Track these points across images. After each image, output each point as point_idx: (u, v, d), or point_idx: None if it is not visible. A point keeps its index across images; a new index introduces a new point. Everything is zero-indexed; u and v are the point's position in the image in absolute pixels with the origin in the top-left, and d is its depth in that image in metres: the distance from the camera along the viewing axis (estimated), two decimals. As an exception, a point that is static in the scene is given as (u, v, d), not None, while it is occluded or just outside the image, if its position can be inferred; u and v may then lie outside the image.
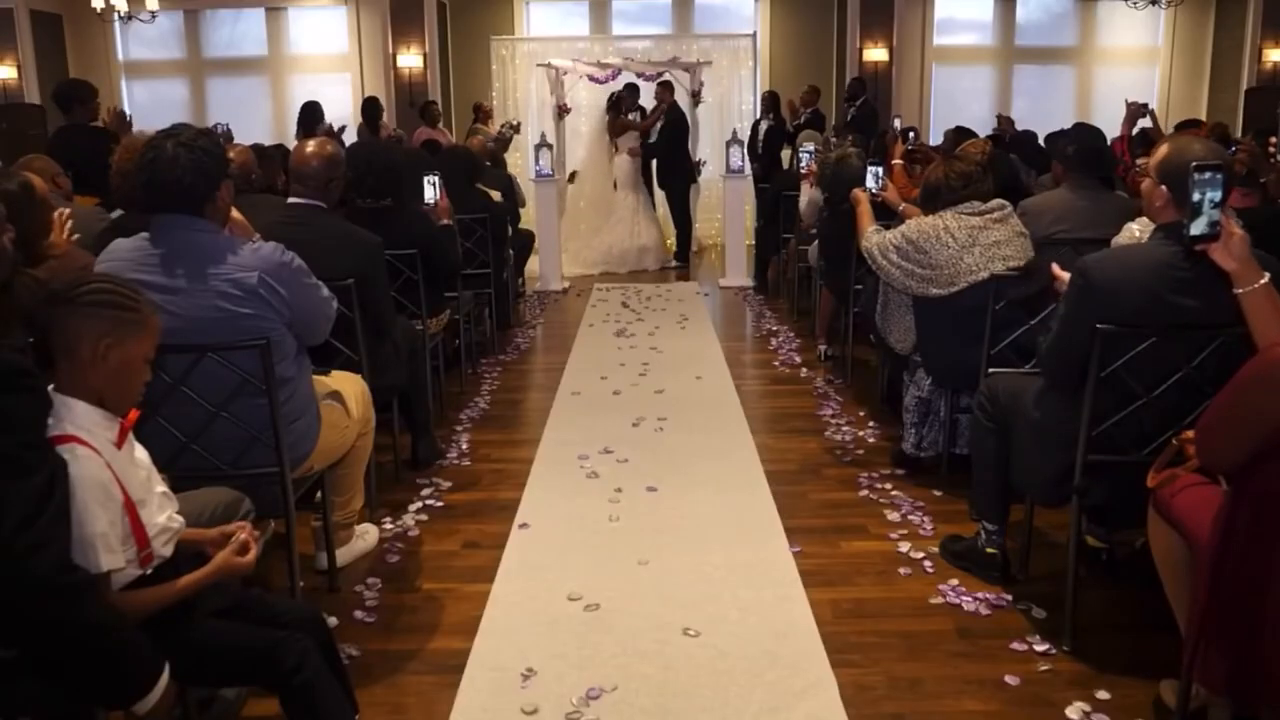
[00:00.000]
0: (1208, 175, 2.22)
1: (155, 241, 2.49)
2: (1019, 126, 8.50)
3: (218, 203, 2.53)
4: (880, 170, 4.46)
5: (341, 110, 10.44)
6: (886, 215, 4.22)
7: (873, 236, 3.79)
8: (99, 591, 1.67)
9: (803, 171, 6.32)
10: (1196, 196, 2.23)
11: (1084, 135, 4.17)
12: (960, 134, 6.80)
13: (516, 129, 10.09)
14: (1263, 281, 2.21)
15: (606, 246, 9.27)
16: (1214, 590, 1.90)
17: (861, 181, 4.44)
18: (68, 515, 1.64)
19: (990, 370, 3.28)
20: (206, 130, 2.60)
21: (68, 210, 3.07)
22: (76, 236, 2.98)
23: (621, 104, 9.52)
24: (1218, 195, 2.23)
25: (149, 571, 1.82)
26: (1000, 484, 2.97)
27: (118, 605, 1.71)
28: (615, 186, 9.49)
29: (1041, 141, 6.54)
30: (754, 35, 11.21)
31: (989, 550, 3.03)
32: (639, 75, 9.94)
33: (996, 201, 3.62)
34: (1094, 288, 2.44)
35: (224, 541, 1.96)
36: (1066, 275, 2.62)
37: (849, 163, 5.07)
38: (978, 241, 3.51)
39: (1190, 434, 2.20)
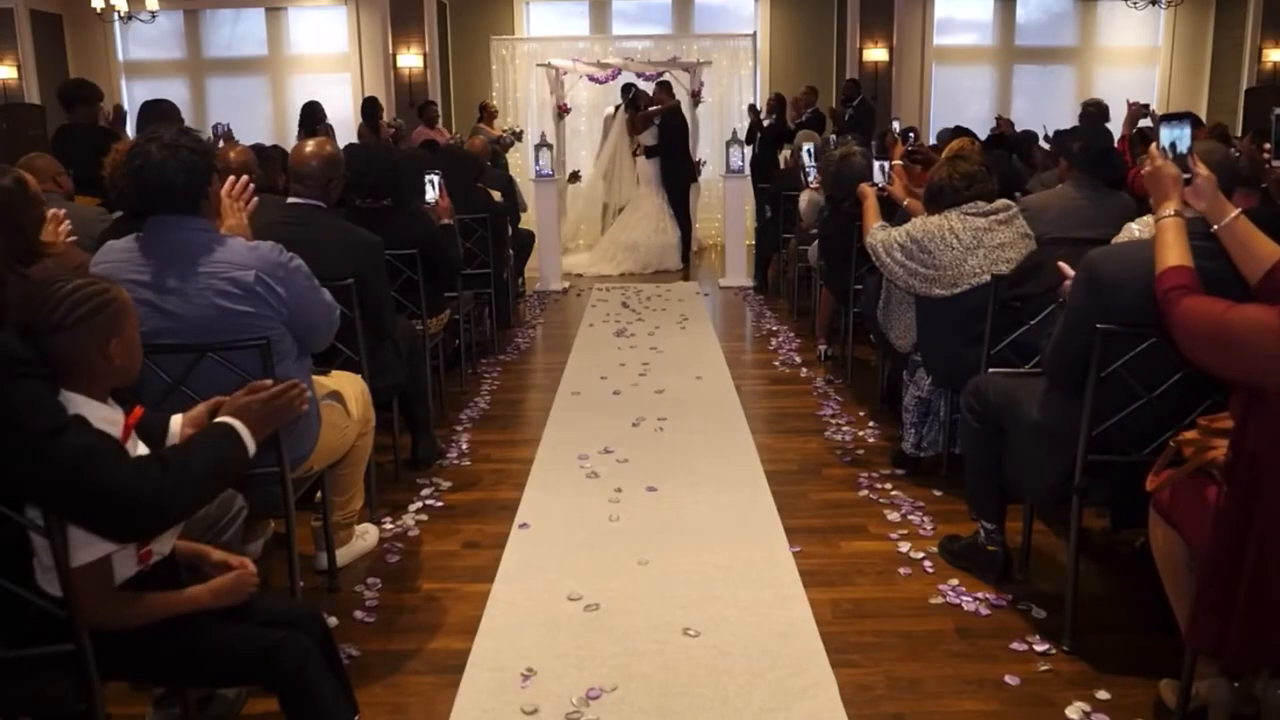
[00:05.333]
0: (1173, 124, 2.32)
1: (149, 241, 2.47)
2: (1019, 127, 8.50)
3: (210, 199, 2.52)
4: (886, 164, 4.45)
5: (342, 110, 10.44)
6: (889, 212, 4.21)
7: (878, 233, 3.78)
8: (173, 472, 1.72)
9: (811, 185, 6.24)
10: (1164, 142, 2.32)
11: (1092, 133, 4.16)
12: (956, 135, 6.78)
13: (519, 137, 10.06)
14: (1234, 214, 2.24)
15: (632, 243, 9.27)
16: (1215, 556, 1.91)
17: (864, 178, 4.43)
18: (117, 443, 1.71)
19: (988, 370, 3.27)
20: (186, 128, 2.59)
21: (63, 210, 3.05)
22: (74, 238, 2.97)
23: (639, 100, 9.51)
24: (1184, 136, 2.30)
25: (148, 568, 1.82)
26: (994, 483, 2.96)
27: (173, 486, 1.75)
28: (639, 183, 9.50)
29: (1043, 141, 6.54)
30: (754, 35, 11.23)
31: (989, 549, 3.02)
32: (639, 75, 9.93)
33: (1002, 202, 3.61)
34: (1100, 282, 2.42)
35: (222, 561, 1.97)
36: (1073, 273, 2.62)
37: (852, 161, 5.07)
38: (982, 244, 3.50)
39: (1189, 434, 2.20)
